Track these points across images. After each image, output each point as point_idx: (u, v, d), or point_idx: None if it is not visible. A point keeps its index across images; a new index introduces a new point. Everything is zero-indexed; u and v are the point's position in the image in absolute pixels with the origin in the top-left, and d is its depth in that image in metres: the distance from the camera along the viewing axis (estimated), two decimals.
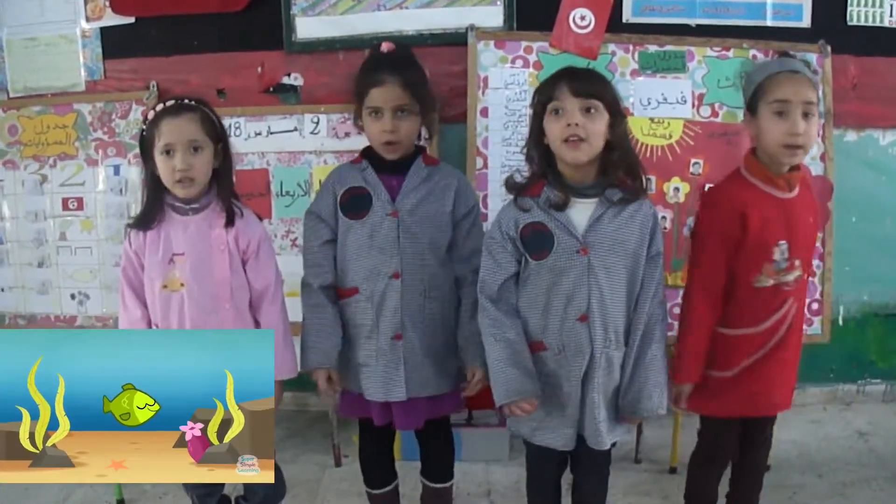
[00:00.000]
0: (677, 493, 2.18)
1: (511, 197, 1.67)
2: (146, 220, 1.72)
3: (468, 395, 1.83)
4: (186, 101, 1.71)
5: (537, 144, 1.63)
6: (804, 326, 1.88)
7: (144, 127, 1.69)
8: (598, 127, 1.55)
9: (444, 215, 1.79)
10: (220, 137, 1.73)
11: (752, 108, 1.69)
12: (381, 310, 1.78)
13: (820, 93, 1.67)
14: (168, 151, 1.64)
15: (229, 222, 1.72)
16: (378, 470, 2.02)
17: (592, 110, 1.55)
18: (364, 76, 1.76)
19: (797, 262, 1.70)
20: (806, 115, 1.61)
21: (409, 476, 2.16)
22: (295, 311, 1.89)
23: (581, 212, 1.60)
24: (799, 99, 1.60)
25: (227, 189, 1.75)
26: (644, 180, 1.64)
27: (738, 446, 1.88)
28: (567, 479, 1.84)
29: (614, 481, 1.86)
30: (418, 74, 1.77)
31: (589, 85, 1.57)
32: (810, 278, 1.95)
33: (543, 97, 1.60)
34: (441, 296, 1.82)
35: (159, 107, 1.68)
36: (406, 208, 1.76)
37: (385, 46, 1.80)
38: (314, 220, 1.83)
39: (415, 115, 1.75)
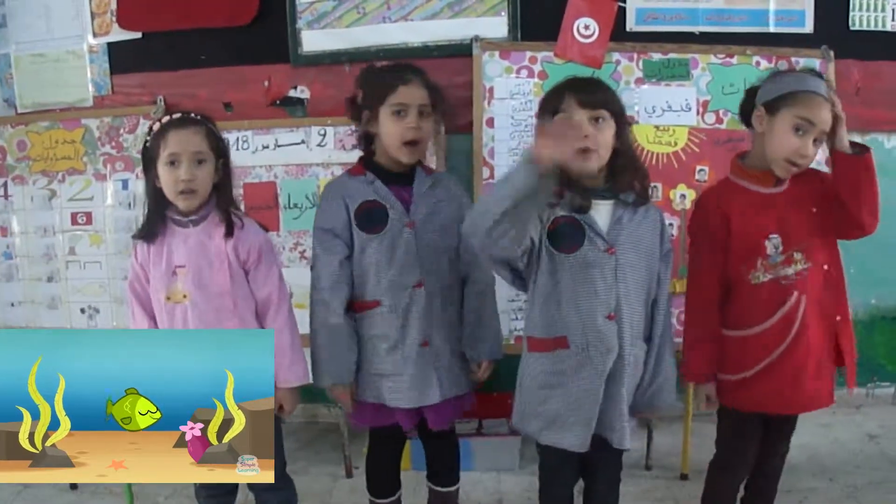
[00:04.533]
0: (688, 500, 2.19)
1: None
2: (150, 231, 1.73)
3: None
4: (192, 115, 1.73)
5: None
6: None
7: (149, 138, 1.71)
8: (606, 137, 1.58)
9: (455, 221, 1.81)
10: (221, 153, 1.75)
11: (770, 107, 1.69)
12: (407, 320, 1.79)
13: None
14: (173, 162, 1.66)
15: (228, 233, 1.73)
16: (386, 479, 2.02)
17: (600, 120, 1.57)
18: (387, 76, 1.76)
19: (797, 255, 1.70)
20: (816, 141, 1.66)
21: (420, 486, 2.16)
22: (301, 323, 1.89)
23: (601, 213, 1.62)
24: (820, 125, 1.64)
25: (226, 200, 1.76)
26: (650, 185, 1.68)
27: (759, 453, 1.87)
28: (577, 486, 1.84)
29: (625, 488, 1.86)
30: (433, 81, 1.79)
31: (595, 96, 1.60)
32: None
33: (549, 108, 1.62)
34: (457, 299, 1.86)
35: (165, 119, 1.70)
36: (420, 218, 1.78)
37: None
38: (329, 237, 1.79)
39: (431, 119, 1.76)
